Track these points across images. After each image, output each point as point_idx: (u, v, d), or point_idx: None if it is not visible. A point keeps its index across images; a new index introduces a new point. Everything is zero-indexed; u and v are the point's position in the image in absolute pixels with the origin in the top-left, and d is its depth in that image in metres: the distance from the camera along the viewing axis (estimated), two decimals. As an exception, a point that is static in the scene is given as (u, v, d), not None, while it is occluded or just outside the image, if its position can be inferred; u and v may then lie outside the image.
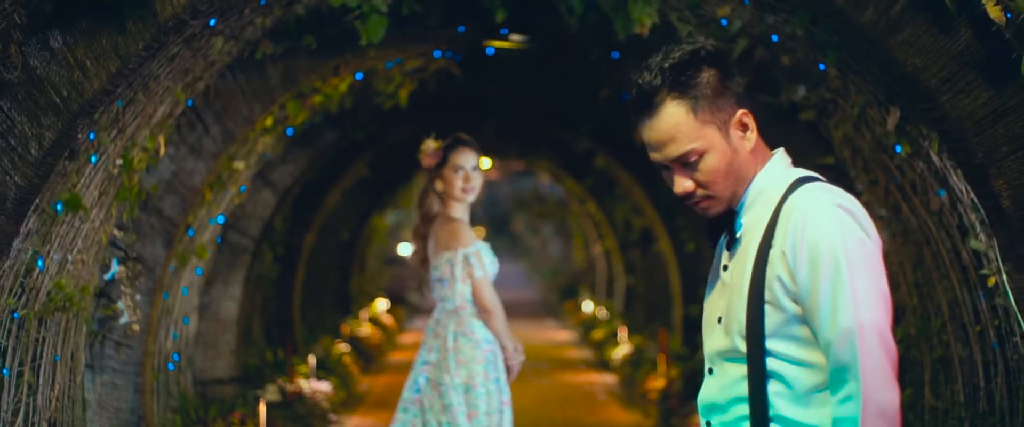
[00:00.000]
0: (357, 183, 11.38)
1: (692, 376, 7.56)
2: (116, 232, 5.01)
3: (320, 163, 8.84)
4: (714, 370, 2.19)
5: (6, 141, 3.45)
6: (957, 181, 4.09)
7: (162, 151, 4.94)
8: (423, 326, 5.03)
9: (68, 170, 3.97)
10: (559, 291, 20.89)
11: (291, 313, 10.22)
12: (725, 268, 2.20)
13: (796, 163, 2.22)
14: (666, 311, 11.08)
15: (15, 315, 3.93)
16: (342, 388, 8.86)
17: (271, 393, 7.35)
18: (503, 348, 4.71)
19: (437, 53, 6.04)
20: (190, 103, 5.09)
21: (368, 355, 11.49)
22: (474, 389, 4.59)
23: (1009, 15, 2.86)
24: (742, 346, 2.09)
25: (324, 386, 8.10)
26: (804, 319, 2.04)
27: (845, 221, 2.02)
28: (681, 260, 10.12)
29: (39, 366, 4.19)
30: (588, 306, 15.61)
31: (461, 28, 5.77)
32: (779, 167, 2.19)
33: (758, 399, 2.07)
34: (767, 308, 2.06)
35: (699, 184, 2.14)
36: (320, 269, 12.05)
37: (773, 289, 2.05)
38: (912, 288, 4.70)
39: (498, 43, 6.12)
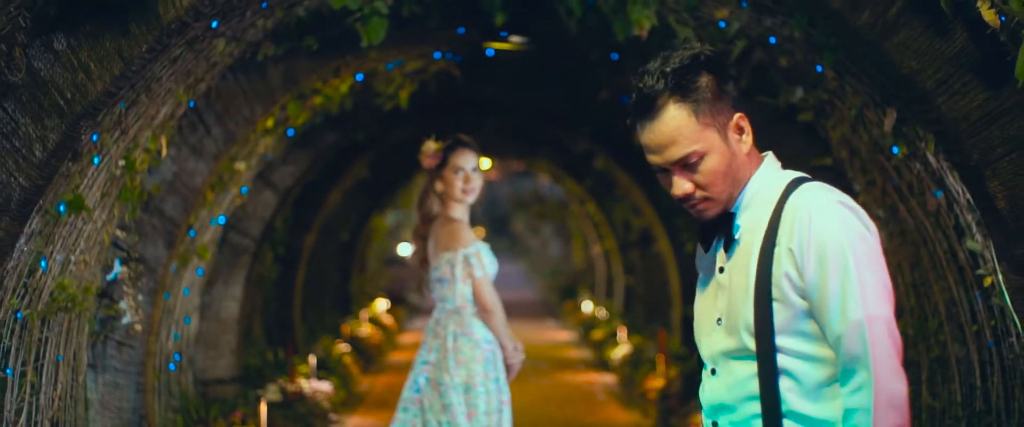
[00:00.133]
0: (357, 184, 11.40)
1: (691, 376, 7.58)
2: (118, 233, 5.03)
3: (321, 164, 8.86)
4: (718, 370, 2.22)
5: (11, 143, 3.47)
6: (953, 182, 4.12)
7: (164, 152, 4.96)
8: (423, 326, 5.06)
9: (71, 171, 4.00)
10: (559, 291, 20.90)
11: (292, 313, 10.24)
12: (721, 270, 2.24)
13: (794, 164, 2.27)
14: (665, 311, 11.10)
15: (18, 315, 3.95)
16: (342, 388, 8.89)
17: (272, 393, 7.38)
18: (503, 347, 4.73)
19: (437, 54, 6.06)
20: (192, 104, 5.11)
21: (368, 355, 11.51)
22: (474, 389, 4.62)
23: (1003, 18, 2.88)
24: (751, 344, 2.13)
25: (324, 386, 8.12)
26: (811, 314, 2.09)
27: (848, 218, 2.09)
28: (680, 260, 10.14)
29: (42, 366, 4.21)
30: (587, 306, 15.63)
31: (461, 30, 5.79)
32: (772, 169, 2.25)
33: (770, 396, 2.11)
34: (775, 305, 2.10)
35: (699, 186, 2.18)
36: (320, 269, 12.07)
37: (781, 286, 2.10)
38: (909, 288, 4.72)
39: (498, 45, 6.14)
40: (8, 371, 3.91)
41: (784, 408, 2.11)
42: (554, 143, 11.64)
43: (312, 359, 8.61)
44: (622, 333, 11.43)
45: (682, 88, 2.14)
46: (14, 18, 3.13)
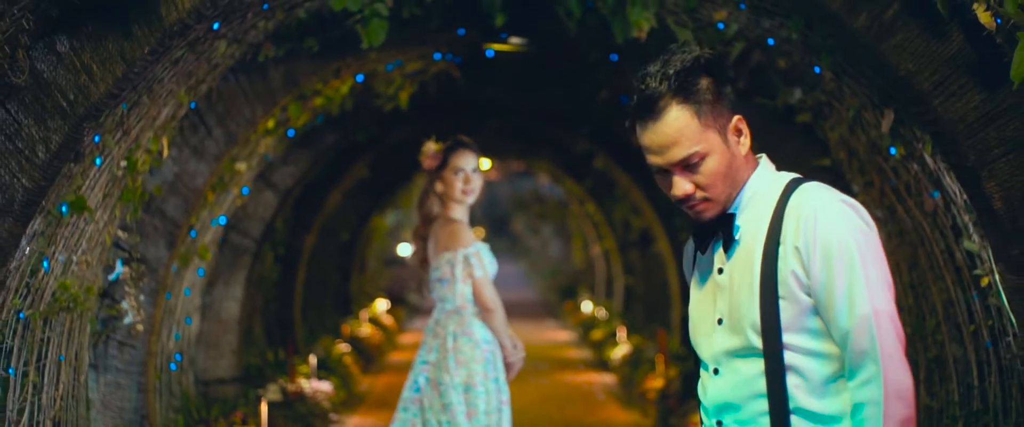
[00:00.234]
0: (357, 184, 11.42)
1: (690, 376, 7.59)
2: (120, 233, 5.05)
3: (321, 164, 8.88)
4: (722, 370, 2.24)
5: (14, 144, 3.49)
6: (951, 183, 4.13)
7: (165, 153, 4.97)
8: (423, 326, 5.07)
9: (73, 172, 4.01)
10: (558, 291, 20.91)
11: (292, 313, 10.25)
12: (720, 271, 2.26)
13: (793, 165, 2.31)
14: (665, 311, 11.11)
15: (21, 315, 3.97)
16: (343, 388, 8.90)
17: (272, 393, 7.39)
18: (502, 346, 4.75)
19: (437, 55, 6.07)
20: (193, 106, 5.13)
21: (368, 355, 11.53)
22: (474, 388, 4.63)
23: (999, 20, 2.90)
24: (757, 342, 2.15)
25: (325, 386, 8.14)
26: (817, 311, 2.12)
27: (850, 215, 2.13)
28: (680, 261, 10.15)
29: (44, 366, 4.23)
30: (587, 306, 15.64)
31: (461, 31, 5.81)
32: (769, 170, 2.29)
33: (777, 393, 2.14)
34: (782, 303, 2.13)
35: (699, 186, 2.22)
36: (321, 270, 12.09)
37: (788, 284, 2.13)
38: (907, 289, 4.74)
39: (498, 46, 6.16)
40: (10, 371, 3.92)
41: (791, 405, 2.14)
42: (554, 143, 11.65)
43: (312, 359, 8.63)
44: (621, 333, 11.45)
45: (684, 90, 2.17)
46: (17, 20, 3.15)
